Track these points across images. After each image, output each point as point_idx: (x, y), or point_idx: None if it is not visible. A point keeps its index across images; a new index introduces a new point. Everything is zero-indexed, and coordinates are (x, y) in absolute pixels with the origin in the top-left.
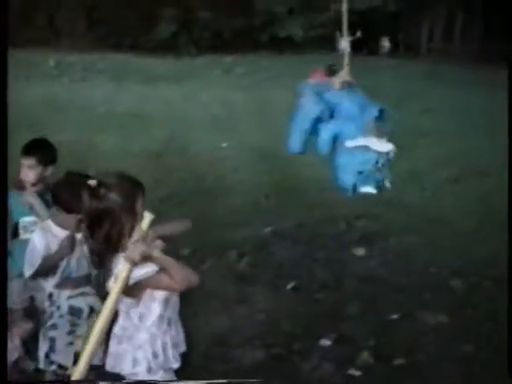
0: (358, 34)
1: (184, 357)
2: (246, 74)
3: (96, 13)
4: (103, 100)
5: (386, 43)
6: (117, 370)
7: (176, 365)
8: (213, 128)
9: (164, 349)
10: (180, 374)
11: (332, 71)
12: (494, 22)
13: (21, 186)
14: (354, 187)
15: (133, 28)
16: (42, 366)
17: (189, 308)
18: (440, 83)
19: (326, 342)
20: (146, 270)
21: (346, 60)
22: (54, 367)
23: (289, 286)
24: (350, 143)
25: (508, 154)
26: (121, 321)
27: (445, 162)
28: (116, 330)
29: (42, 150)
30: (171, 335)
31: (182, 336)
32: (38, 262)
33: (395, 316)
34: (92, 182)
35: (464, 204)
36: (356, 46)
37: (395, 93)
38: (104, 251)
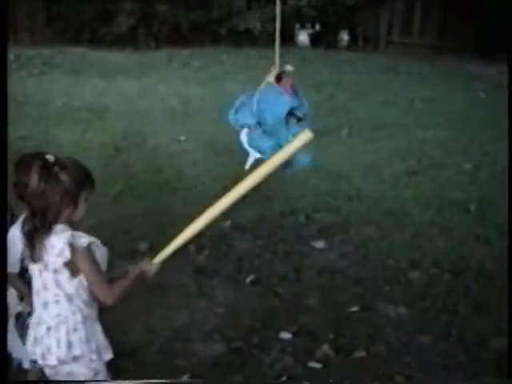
0: (317, 27)
1: (143, 351)
2: (204, 67)
3: (54, 7)
4: (61, 94)
5: (345, 36)
6: (51, 360)
7: (107, 356)
8: (171, 121)
9: (94, 334)
10: (138, 369)
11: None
12: (452, 15)
13: None
14: None
15: (91, 22)
16: (26, 365)
17: (147, 302)
18: (399, 76)
19: (285, 335)
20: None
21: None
22: (38, 366)
23: (248, 280)
24: None
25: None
26: (50, 311)
27: (402, 154)
28: (48, 321)
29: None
30: (86, 329)
31: (101, 338)
32: (16, 258)
33: (355, 308)
34: (50, 158)
35: (422, 196)
36: (315, 40)
37: (355, 86)
38: (38, 232)
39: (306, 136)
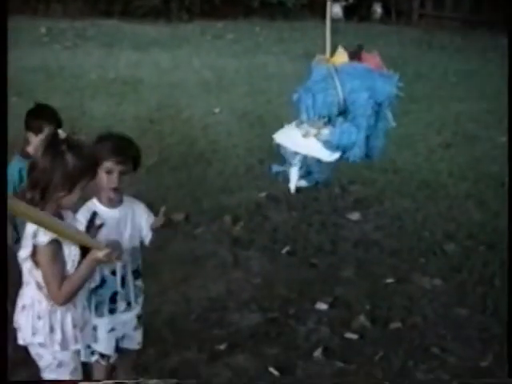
0: None
1: (180, 321)
2: (238, 40)
3: None
4: (94, 66)
5: (378, 9)
6: (19, 339)
7: (75, 346)
8: (204, 94)
9: (62, 324)
10: (176, 338)
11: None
12: None
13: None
14: None
15: None
16: (82, 357)
17: (185, 272)
18: (432, 49)
19: (321, 306)
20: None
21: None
22: (96, 357)
23: (284, 250)
24: None
25: (508, 123)
26: (26, 290)
27: (437, 127)
28: (24, 299)
29: (57, 117)
30: (72, 314)
31: (87, 324)
32: None
33: (391, 280)
34: (61, 133)
35: (456, 169)
36: (348, 12)
37: (388, 59)
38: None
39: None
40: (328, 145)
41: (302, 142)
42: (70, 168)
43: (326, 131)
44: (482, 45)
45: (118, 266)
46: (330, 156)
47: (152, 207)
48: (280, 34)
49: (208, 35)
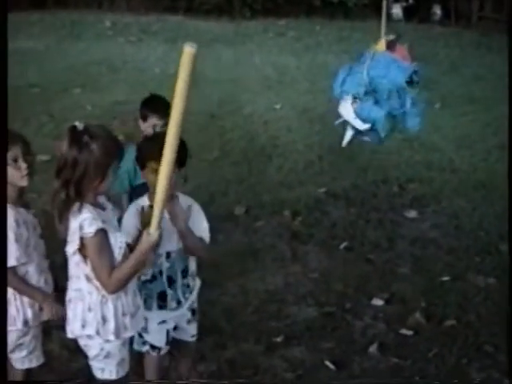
0: (411, 0)
1: (238, 312)
2: (299, 37)
3: None
4: (158, 61)
5: (437, 11)
6: (68, 333)
7: (128, 334)
8: (266, 90)
9: (115, 314)
10: (234, 329)
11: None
12: None
13: None
14: None
15: None
16: (135, 346)
17: (244, 264)
18: (490, 51)
19: (378, 302)
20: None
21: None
22: (146, 347)
23: (342, 246)
24: None
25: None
26: (73, 284)
27: (494, 128)
28: (70, 293)
29: (165, 110)
30: (123, 302)
31: (139, 310)
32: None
33: (446, 278)
34: (79, 125)
35: None
36: (408, 14)
37: (447, 60)
38: (68, 204)
39: (189, 51)
40: (358, 116)
41: (348, 109)
42: (98, 157)
43: (355, 105)
44: None
45: (165, 267)
46: (361, 125)
47: (213, 200)
48: (340, 33)
49: (270, 33)
